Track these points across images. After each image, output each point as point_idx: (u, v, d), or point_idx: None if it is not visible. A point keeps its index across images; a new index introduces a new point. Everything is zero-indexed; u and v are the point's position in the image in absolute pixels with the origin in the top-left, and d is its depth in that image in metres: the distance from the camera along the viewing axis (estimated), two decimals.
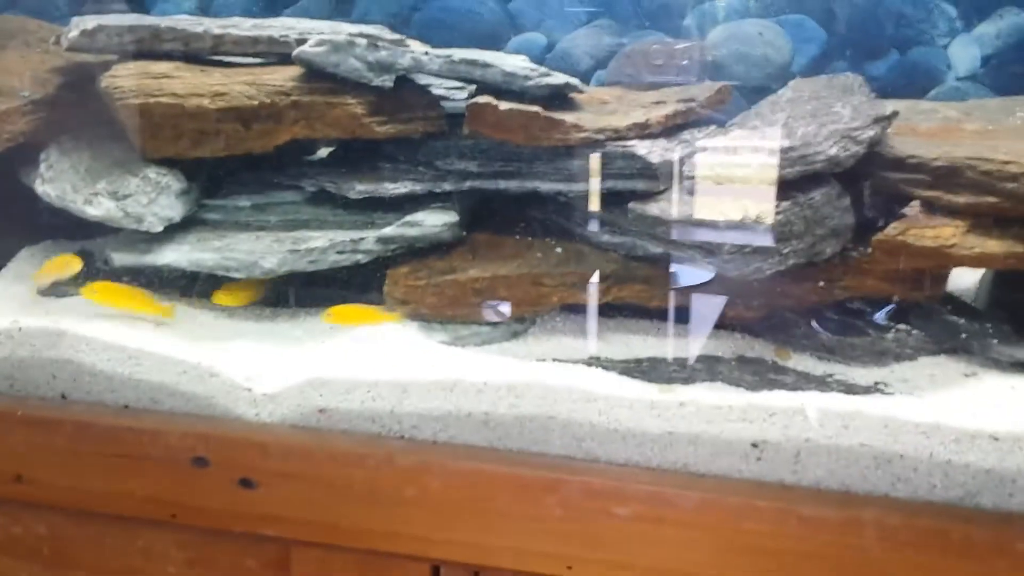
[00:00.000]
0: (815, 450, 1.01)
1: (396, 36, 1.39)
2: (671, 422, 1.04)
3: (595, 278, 1.23)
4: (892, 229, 1.12)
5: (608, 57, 1.64)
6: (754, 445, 1.02)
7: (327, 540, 1.13)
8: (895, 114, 1.18)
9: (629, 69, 1.56)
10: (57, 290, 1.32)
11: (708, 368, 1.15)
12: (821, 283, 1.17)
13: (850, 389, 1.10)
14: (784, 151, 1.12)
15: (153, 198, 1.25)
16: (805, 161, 1.11)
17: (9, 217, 1.41)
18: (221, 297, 1.28)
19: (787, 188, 1.12)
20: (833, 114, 1.17)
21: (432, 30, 1.67)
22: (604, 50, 1.64)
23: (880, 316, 1.21)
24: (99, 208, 1.25)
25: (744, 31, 1.59)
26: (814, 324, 1.19)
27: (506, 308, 1.23)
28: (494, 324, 1.24)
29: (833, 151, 1.11)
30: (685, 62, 1.55)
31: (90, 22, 1.29)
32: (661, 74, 1.53)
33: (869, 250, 1.14)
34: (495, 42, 1.68)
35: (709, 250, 1.13)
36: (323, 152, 1.51)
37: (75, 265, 1.34)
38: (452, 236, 1.27)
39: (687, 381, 1.12)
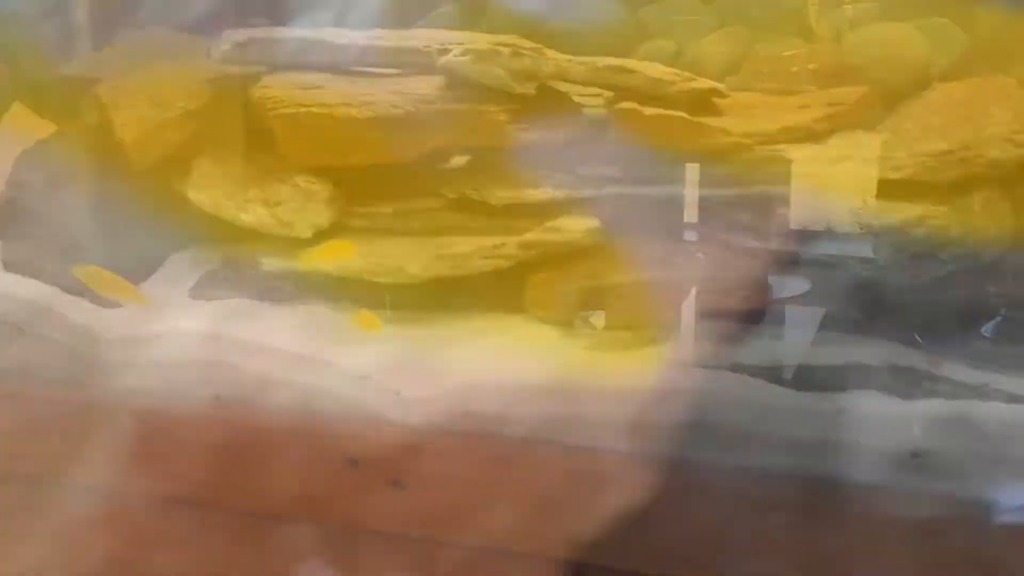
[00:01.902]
0: None
1: (532, 45, 1.40)
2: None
3: (742, 284, 1.21)
4: None
5: (737, 63, 1.62)
6: None
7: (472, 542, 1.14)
8: None
9: (762, 75, 1.54)
10: (207, 293, 1.36)
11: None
12: None
13: None
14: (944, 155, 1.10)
15: (303, 205, 1.29)
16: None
17: (160, 224, 1.46)
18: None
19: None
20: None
21: (561, 39, 1.66)
22: (735, 56, 1.61)
23: None
24: (252, 215, 1.29)
25: (883, 35, 1.55)
26: None
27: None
28: (635, 329, 1.24)
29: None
30: (820, 66, 1.52)
31: (241, 35, 1.33)
32: (796, 79, 1.51)
33: None
34: (623, 50, 1.66)
35: (867, 258, 1.11)
36: (456, 160, 1.52)
37: (350, 252, 1.29)
38: (594, 242, 1.28)
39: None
